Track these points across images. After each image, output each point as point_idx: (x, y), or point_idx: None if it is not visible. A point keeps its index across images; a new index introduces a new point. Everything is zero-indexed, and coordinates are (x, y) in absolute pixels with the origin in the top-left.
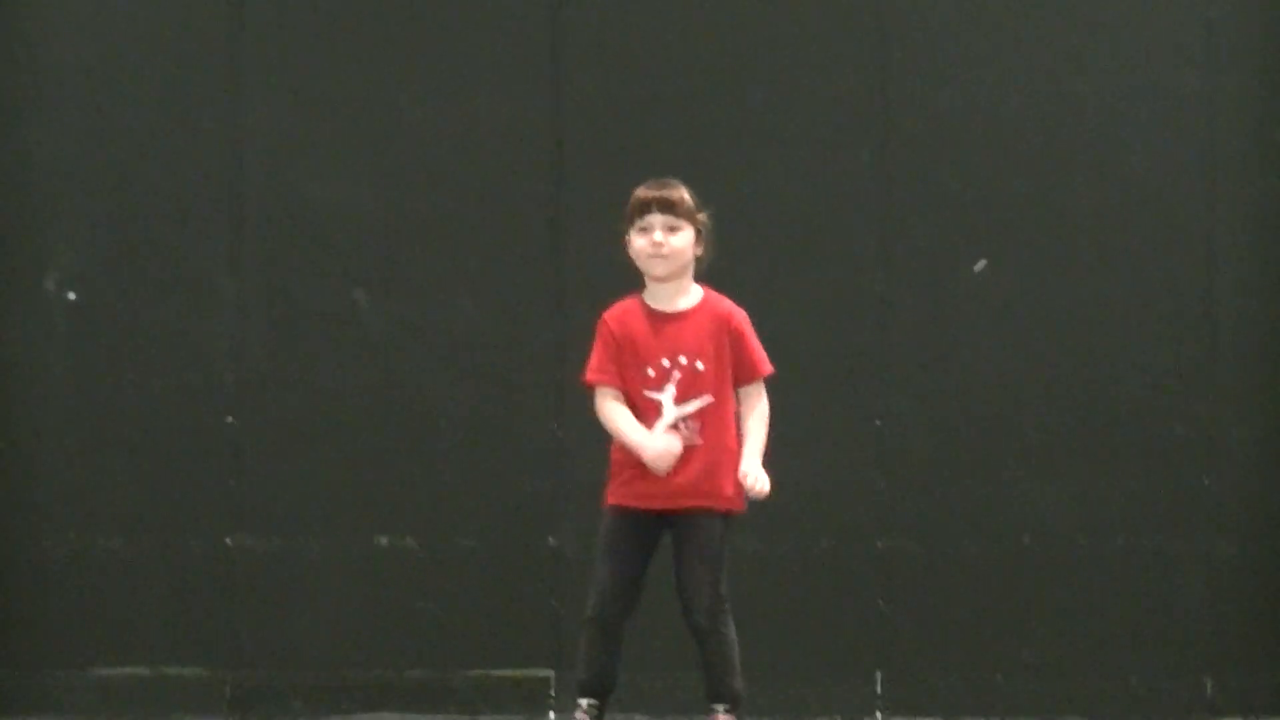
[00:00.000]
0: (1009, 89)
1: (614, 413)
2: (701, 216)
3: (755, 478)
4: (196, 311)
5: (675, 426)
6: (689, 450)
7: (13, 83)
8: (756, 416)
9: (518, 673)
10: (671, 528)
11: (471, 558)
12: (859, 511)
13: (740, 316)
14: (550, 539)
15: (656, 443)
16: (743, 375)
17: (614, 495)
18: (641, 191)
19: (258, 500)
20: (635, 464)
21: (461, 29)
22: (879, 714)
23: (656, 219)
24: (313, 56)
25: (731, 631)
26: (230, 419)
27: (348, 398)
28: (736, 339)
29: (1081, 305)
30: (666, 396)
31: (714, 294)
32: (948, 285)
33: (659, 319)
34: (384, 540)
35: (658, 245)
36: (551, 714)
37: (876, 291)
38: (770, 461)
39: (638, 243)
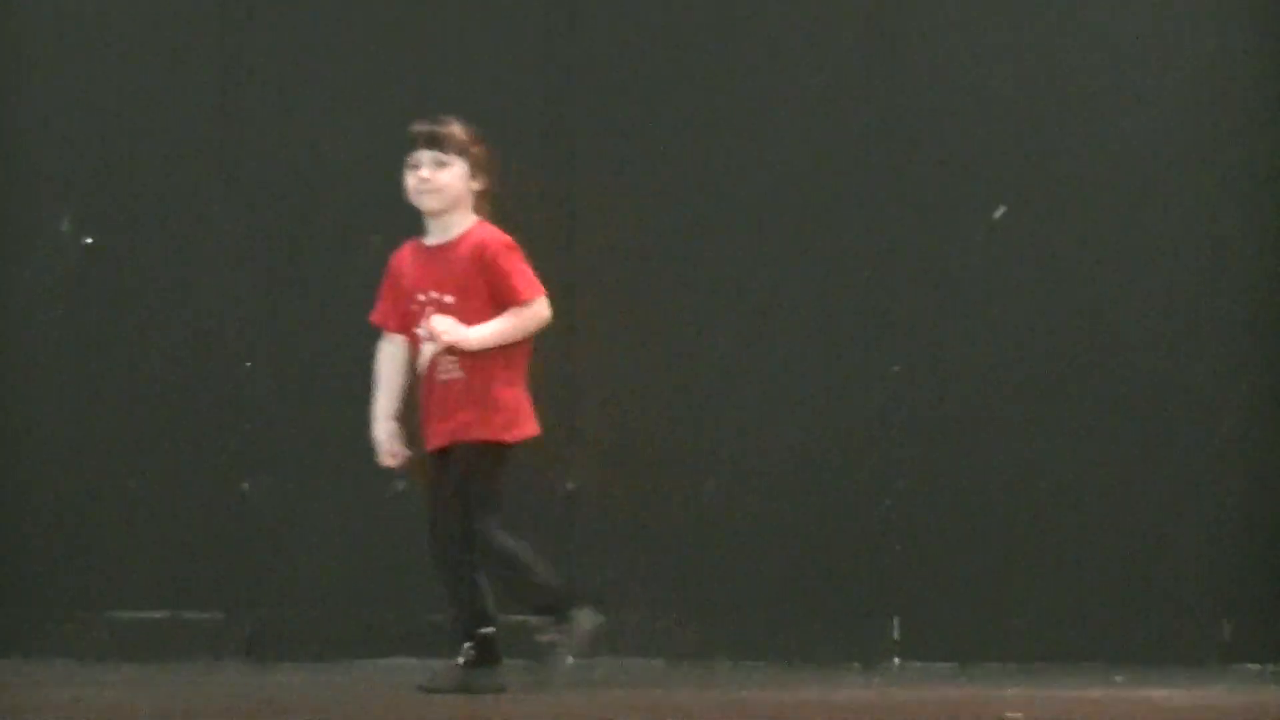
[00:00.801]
0: (1015, 51)
1: (376, 368)
2: (476, 150)
3: (445, 328)
4: (207, 254)
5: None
6: (450, 384)
7: (27, 28)
8: (505, 316)
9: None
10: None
11: None
12: (874, 458)
13: (496, 246)
14: (568, 483)
15: (377, 433)
16: (502, 302)
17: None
18: (411, 127)
19: (274, 443)
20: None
21: (471, 3)
22: (896, 660)
23: (424, 155)
24: (317, 32)
25: (482, 571)
26: (248, 364)
27: (358, 338)
28: (489, 267)
29: (1089, 253)
30: (424, 331)
31: (483, 226)
32: (954, 239)
33: (426, 254)
34: (400, 483)
35: (424, 180)
36: (569, 658)
37: (883, 244)
38: (785, 407)
39: (409, 179)
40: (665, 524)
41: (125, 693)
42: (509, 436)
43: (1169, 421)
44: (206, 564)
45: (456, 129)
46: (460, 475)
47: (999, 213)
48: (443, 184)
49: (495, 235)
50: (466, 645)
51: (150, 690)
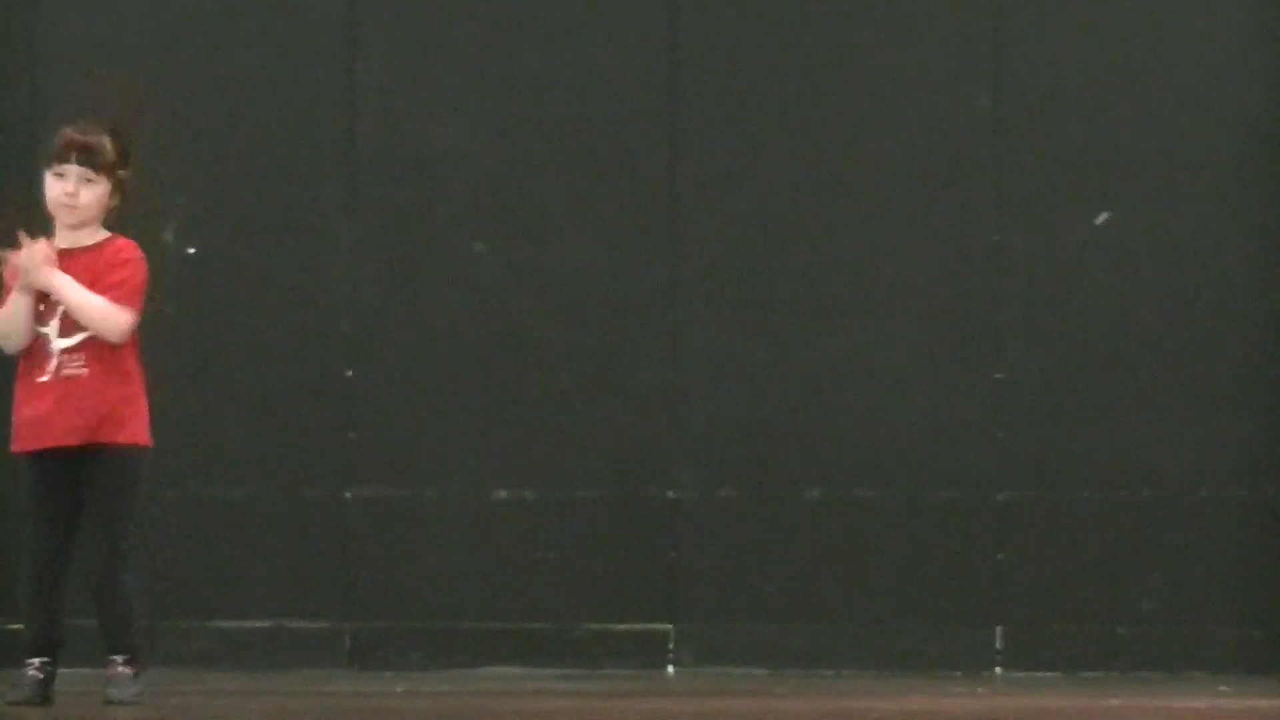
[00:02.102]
0: (1125, 31)
1: None
2: (123, 173)
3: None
4: (313, 261)
5: (59, 361)
6: (74, 383)
7: (130, 32)
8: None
9: (637, 626)
10: (80, 468)
11: (590, 509)
12: (977, 463)
13: (121, 255)
14: (669, 492)
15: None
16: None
17: (16, 441)
18: (65, 133)
19: (376, 451)
20: (26, 401)
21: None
22: (998, 669)
23: (73, 168)
24: (429, 3)
25: (130, 583)
26: (350, 373)
27: (464, 346)
28: (107, 270)
29: (1197, 251)
30: (51, 329)
31: (119, 239)
32: (1064, 232)
33: (60, 256)
34: (503, 493)
35: (71, 195)
36: (670, 668)
37: (992, 239)
38: (887, 411)
39: (52, 188)
40: (769, 531)
41: (230, 701)
42: (142, 438)
43: (1275, 429)
44: (310, 572)
45: (109, 143)
46: (104, 484)
47: (1101, 218)
48: (85, 203)
49: (127, 245)
50: (121, 657)
51: (255, 699)
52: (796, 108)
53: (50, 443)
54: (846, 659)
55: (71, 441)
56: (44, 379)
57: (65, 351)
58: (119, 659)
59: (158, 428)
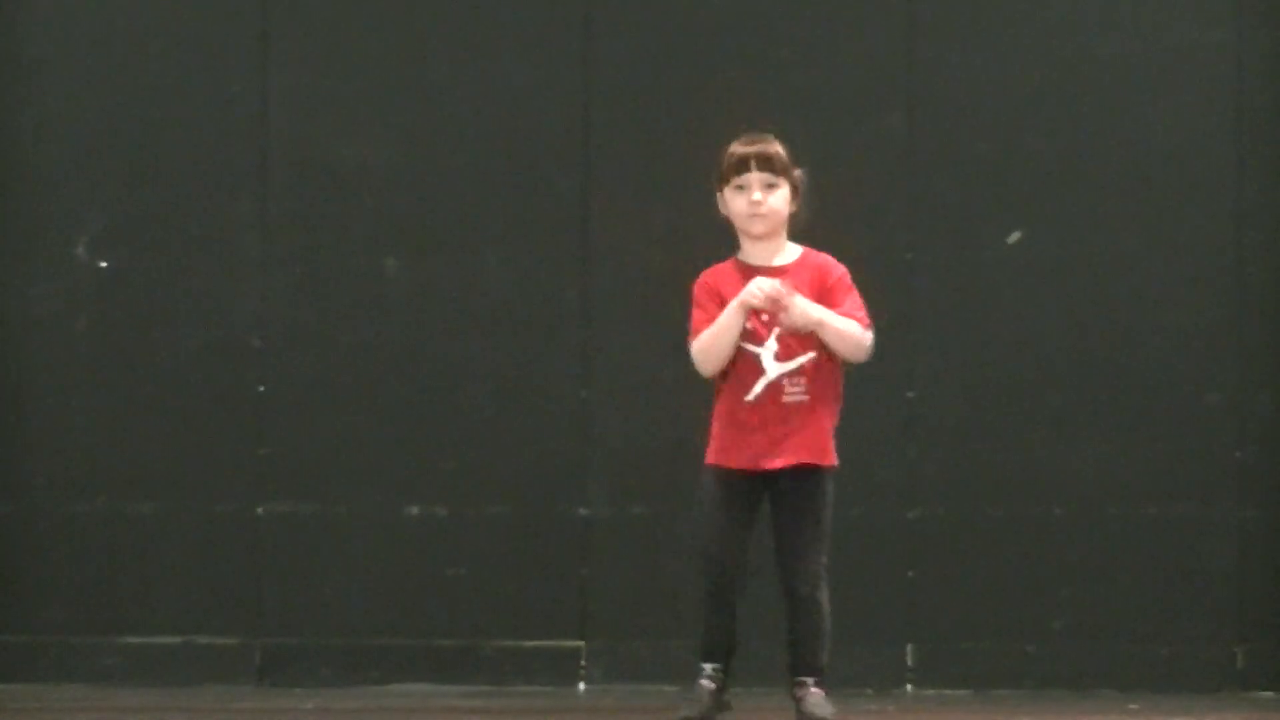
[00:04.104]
0: (1036, 50)
1: (702, 334)
2: (797, 173)
3: (791, 293)
4: (224, 276)
5: (779, 385)
6: (795, 407)
7: (40, 46)
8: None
9: (548, 643)
10: (773, 488)
11: (501, 525)
12: (887, 480)
13: (840, 271)
14: (581, 509)
15: (748, 287)
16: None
17: (713, 455)
18: (738, 147)
19: (287, 467)
20: (735, 423)
21: (493, 10)
22: (909, 687)
23: (754, 176)
24: (341, 18)
25: (827, 601)
26: (261, 388)
27: (376, 362)
28: (834, 292)
29: (1109, 269)
30: (767, 351)
31: (813, 251)
32: (975, 250)
33: (757, 274)
34: (414, 509)
35: (755, 204)
36: (581, 685)
37: (904, 257)
38: None
39: (735, 202)
40: (680, 549)
41: (140, 718)
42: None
43: (1186, 448)
44: (220, 588)
45: (782, 150)
46: (810, 504)
47: (1014, 238)
48: (773, 209)
49: (834, 260)
50: (813, 679)
51: (164, 715)
52: (709, 126)
53: (763, 465)
54: (757, 676)
55: (780, 464)
56: (750, 399)
57: (786, 376)
58: (810, 680)
59: (69, 442)
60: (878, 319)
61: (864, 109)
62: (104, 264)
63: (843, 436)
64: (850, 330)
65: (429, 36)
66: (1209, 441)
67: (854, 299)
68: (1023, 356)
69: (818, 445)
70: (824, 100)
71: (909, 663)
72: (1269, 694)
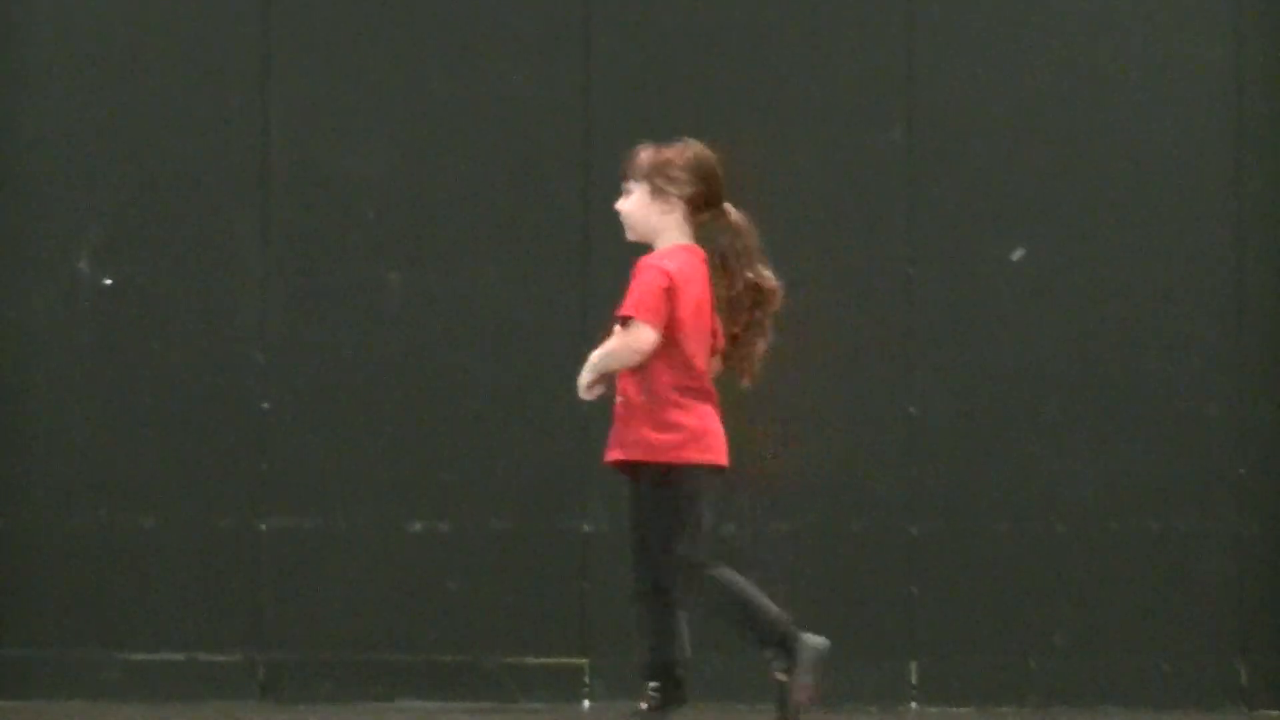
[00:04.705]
0: (1035, 64)
1: None
2: (661, 177)
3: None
4: (226, 290)
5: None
6: (617, 407)
7: (41, 59)
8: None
9: (551, 659)
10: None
11: (503, 540)
12: (889, 496)
13: (640, 265)
14: (583, 525)
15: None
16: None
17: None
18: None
19: (289, 482)
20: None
21: (490, 1)
22: (913, 704)
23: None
24: (341, 30)
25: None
26: (264, 404)
27: (377, 376)
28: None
29: (1109, 283)
30: None
31: (660, 251)
32: (975, 265)
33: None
34: (416, 524)
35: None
36: (585, 702)
37: (905, 272)
38: (798, 444)
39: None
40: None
41: None
42: (679, 456)
43: (1187, 462)
44: (222, 603)
45: (645, 154)
46: (641, 499)
47: (1017, 254)
48: (624, 213)
49: (652, 259)
50: (651, 686)
51: None
52: (708, 139)
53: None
54: (760, 692)
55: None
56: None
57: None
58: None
59: (71, 457)
60: (878, 333)
61: (864, 122)
62: (108, 281)
63: (842, 451)
64: (613, 351)
65: (428, 49)
66: (1210, 455)
67: (634, 288)
68: (1023, 370)
69: (632, 440)
70: (824, 113)
71: (913, 680)
72: (1274, 713)
